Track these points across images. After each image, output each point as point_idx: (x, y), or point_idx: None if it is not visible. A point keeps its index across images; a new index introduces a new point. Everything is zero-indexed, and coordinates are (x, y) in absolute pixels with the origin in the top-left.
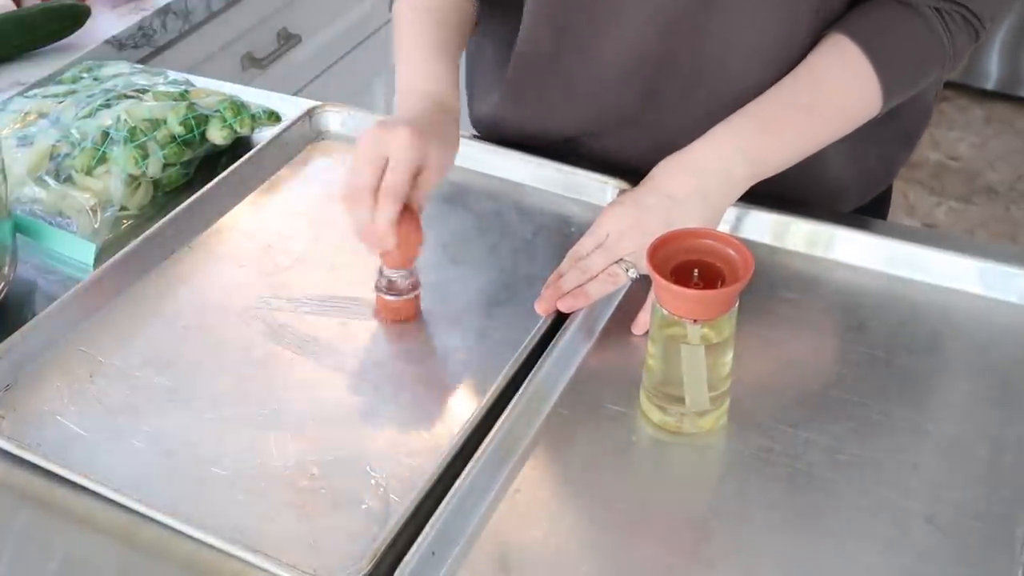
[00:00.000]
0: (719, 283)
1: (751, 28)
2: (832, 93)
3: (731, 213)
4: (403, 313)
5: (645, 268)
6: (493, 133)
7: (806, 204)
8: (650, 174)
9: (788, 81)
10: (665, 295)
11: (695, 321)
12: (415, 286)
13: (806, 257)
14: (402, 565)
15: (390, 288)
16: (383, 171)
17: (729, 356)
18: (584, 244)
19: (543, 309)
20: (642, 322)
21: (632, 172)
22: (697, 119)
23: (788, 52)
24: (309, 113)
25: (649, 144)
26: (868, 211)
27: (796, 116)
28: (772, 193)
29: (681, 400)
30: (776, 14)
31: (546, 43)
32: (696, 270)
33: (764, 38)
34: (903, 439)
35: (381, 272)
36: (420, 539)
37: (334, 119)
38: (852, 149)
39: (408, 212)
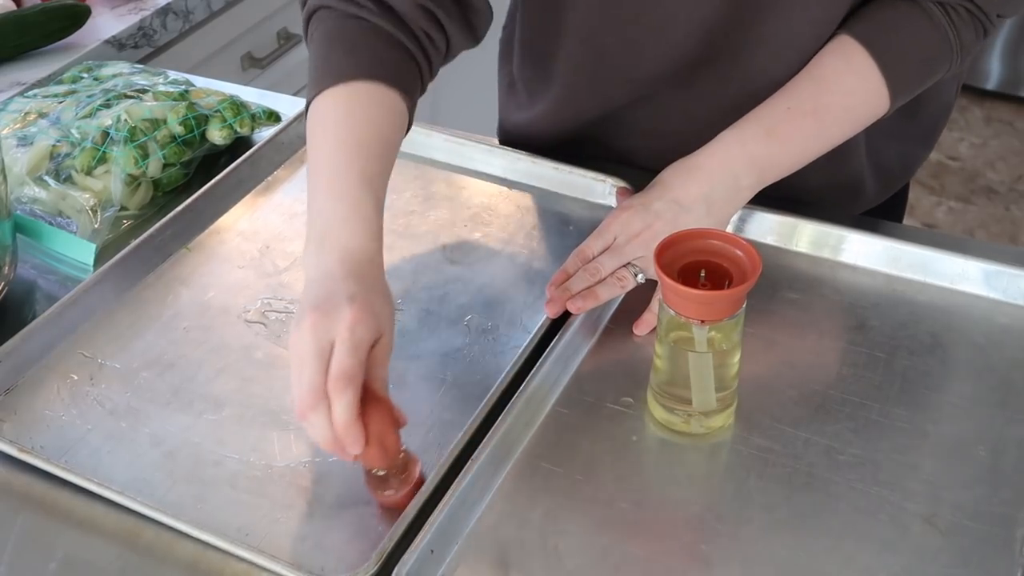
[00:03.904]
0: (726, 284)
1: (787, 28)
2: (838, 96)
3: (736, 214)
4: (406, 501)
5: (652, 273)
6: (529, 140)
7: (822, 202)
8: (658, 178)
9: (794, 85)
10: (672, 296)
11: (702, 322)
12: (410, 473)
13: (809, 258)
14: (401, 563)
15: (384, 486)
16: (323, 366)
17: (737, 357)
18: (591, 245)
19: (553, 311)
20: (645, 322)
21: (653, 169)
22: (729, 113)
23: (819, 47)
24: (305, 114)
25: (683, 138)
26: (884, 211)
27: (803, 121)
28: (787, 194)
29: (688, 400)
30: (814, 17)
31: (581, 57)
32: (703, 271)
33: (798, 38)
34: (903, 440)
35: (367, 471)
36: (419, 537)
37: None
38: (870, 146)
39: (372, 398)
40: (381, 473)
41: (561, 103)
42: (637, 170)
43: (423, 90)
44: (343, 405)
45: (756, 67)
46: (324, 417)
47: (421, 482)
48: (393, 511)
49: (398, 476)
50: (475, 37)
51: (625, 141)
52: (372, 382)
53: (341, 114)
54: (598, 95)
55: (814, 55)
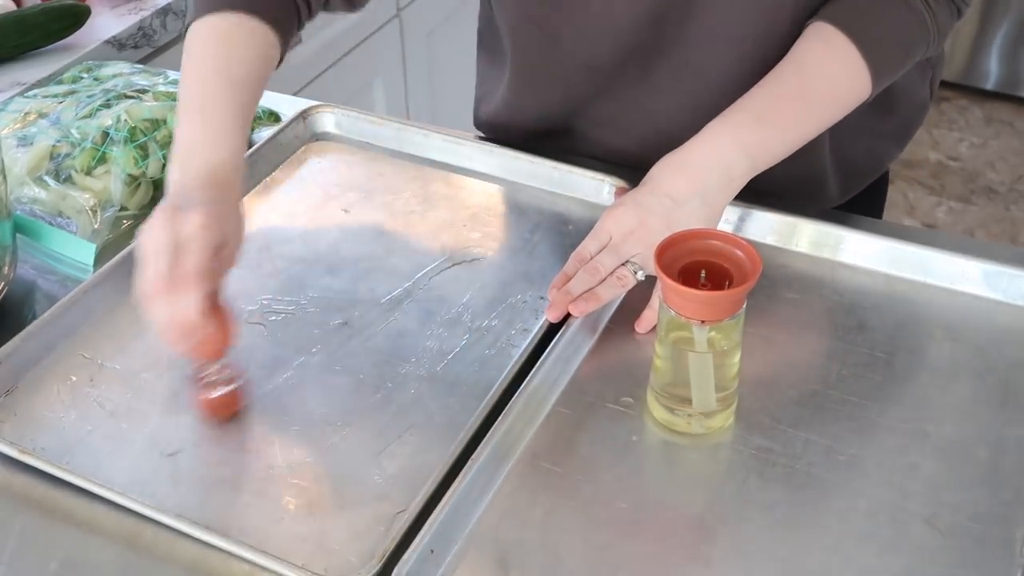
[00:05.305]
0: (727, 284)
1: (733, 18)
2: (822, 80)
3: (735, 213)
4: (229, 406)
5: (652, 269)
6: (498, 130)
7: (783, 196)
8: (649, 174)
9: (777, 72)
10: (673, 296)
11: (703, 322)
12: (235, 375)
13: (809, 258)
14: (401, 563)
15: (209, 382)
16: (176, 258)
17: (737, 357)
18: (587, 246)
19: (555, 315)
20: (646, 319)
21: (630, 161)
22: (685, 105)
23: (769, 39)
24: (304, 114)
25: (643, 131)
26: (862, 207)
27: (790, 106)
28: (747, 186)
29: (689, 400)
30: (762, 6)
31: (536, 45)
32: (703, 271)
33: (746, 27)
34: (903, 440)
35: (194, 367)
36: (419, 537)
37: (329, 120)
38: (834, 141)
39: (211, 297)
40: (208, 371)
41: (519, 90)
42: (634, 170)
43: (300, 27)
44: (195, 298)
45: (710, 58)
46: (170, 306)
47: (238, 396)
48: (215, 412)
49: (223, 382)
50: (353, 4)
51: (593, 133)
52: (211, 287)
53: (216, 46)
54: (558, 83)
55: (768, 46)
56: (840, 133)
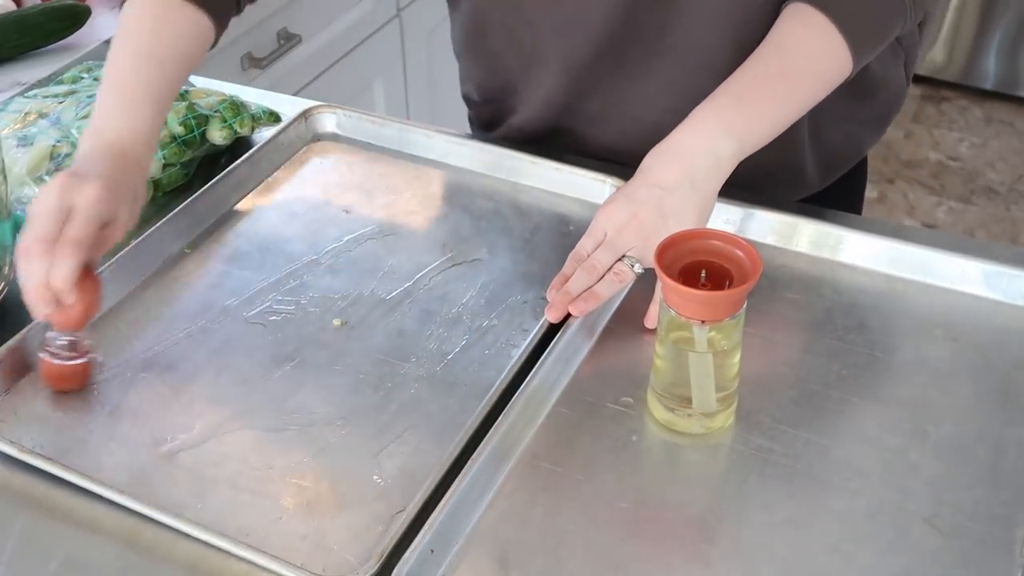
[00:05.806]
0: (727, 284)
1: (712, 2)
2: (803, 59)
3: (735, 213)
4: (74, 379)
5: (649, 262)
6: (483, 123)
7: (762, 186)
8: (640, 167)
9: (758, 54)
10: (673, 296)
11: (703, 322)
12: (87, 350)
13: (809, 258)
14: (401, 563)
15: (61, 352)
16: (63, 224)
17: (737, 357)
18: (584, 245)
19: (555, 316)
20: (652, 315)
21: (627, 158)
22: (660, 87)
23: (746, 18)
24: (305, 114)
25: (637, 128)
26: (841, 194)
27: (773, 85)
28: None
29: (689, 400)
30: None
31: (511, 41)
32: (704, 271)
33: (725, 11)
34: (903, 440)
35: (48, 334)
36: (419, 537)
37: (330, 120)
38: (812, 128)
39: (85, 269)
40: (62, 341)
41: (493, 86)
42: (635, 169)
43: (239, 11)
44: (68, 267)
45: (686, 39)
46: (43, 268)
47: (82, 372)
48: (55, 382)
49: (71, 354)
50: None
51: (585, 131)
52: (88, 258)
53: (147, 26)
54: (536, 82)
55: (745, 21)
56: (818, 119)
